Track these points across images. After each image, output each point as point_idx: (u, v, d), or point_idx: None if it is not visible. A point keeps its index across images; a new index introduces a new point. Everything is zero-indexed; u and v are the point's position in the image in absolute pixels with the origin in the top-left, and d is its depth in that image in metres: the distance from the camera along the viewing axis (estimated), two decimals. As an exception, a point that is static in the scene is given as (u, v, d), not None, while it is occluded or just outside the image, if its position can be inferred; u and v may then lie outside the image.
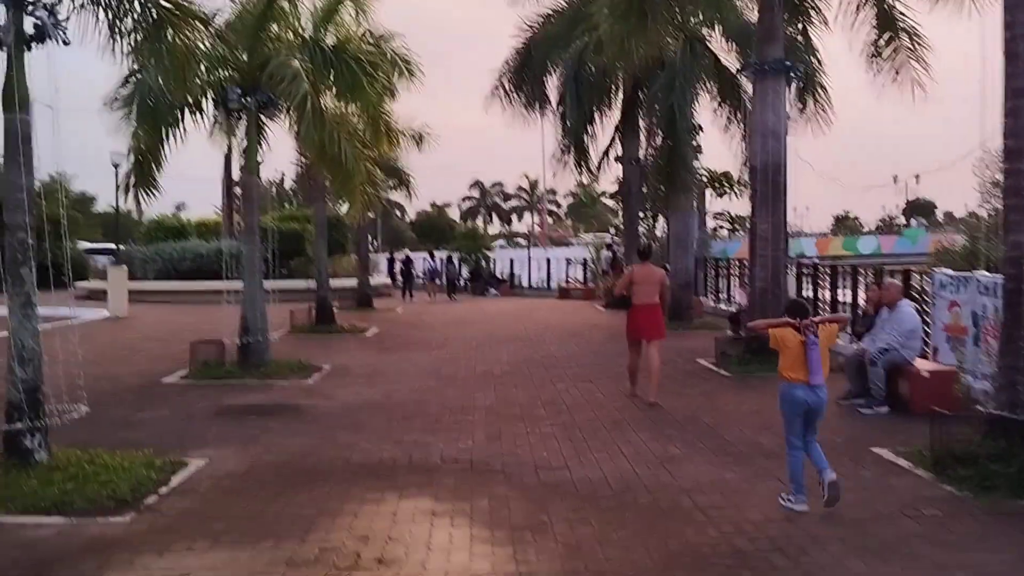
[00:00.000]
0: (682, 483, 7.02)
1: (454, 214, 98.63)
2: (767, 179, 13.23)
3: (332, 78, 12.75)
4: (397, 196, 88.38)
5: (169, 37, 7.66)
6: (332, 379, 12.55)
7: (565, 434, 8.69)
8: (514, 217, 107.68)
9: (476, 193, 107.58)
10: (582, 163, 20.54)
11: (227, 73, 12.99)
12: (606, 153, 22.47)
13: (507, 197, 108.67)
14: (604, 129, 22.56)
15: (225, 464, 7.58)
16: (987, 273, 10.39)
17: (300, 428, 9.17)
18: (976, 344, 10.31)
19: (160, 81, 10.11)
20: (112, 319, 22.67)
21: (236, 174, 41.48)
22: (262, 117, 13.34)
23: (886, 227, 66.86)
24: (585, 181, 21.26)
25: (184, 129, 12.89)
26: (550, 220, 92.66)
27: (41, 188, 7.88)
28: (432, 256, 34.82)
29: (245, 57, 12.96)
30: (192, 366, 12.81)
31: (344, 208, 14.29)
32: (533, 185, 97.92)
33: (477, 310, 26.61)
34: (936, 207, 72.18)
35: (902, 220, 69.88)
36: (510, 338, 18.11)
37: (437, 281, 33.58)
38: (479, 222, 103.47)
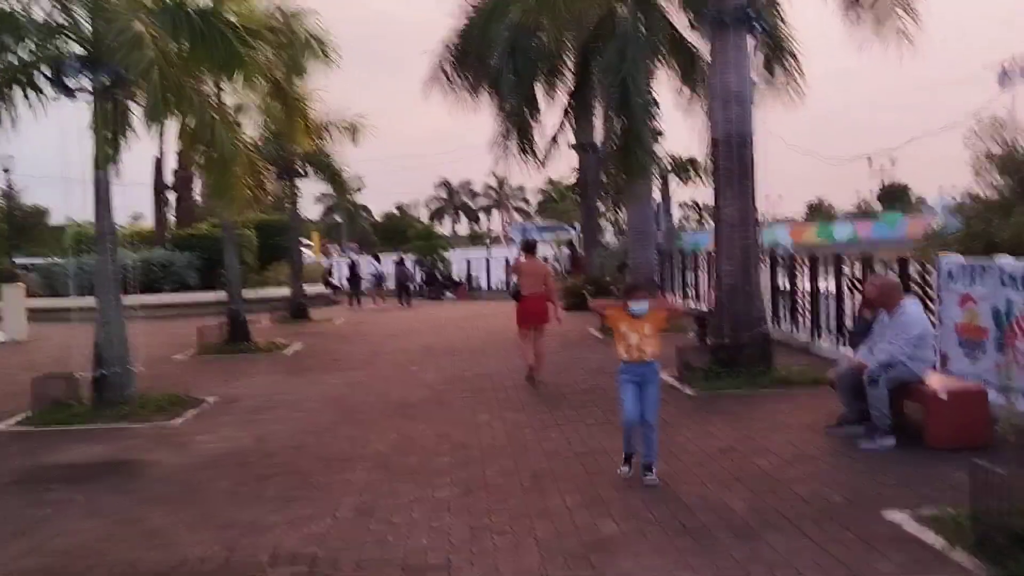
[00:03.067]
0: (613, 591, 4.71)
1: (423, 215, 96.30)
2: (731, 153, 10.98)
3: (194, 46, 10.33)
4: (360, 197, 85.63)
5: None
6: (207, 418, 10.15)
7: (464, 502, 6.35)
8: (483, 216, 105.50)
9: (444, 193, 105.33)
10: (526, 149, 18.21)
11: (67, 44, 10.54)
12: (555, 139, 20.13)
13: (475, 195, 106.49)
14: (553, 111, 20.24)
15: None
16: (1012, 259, 8.16)
17: (109, 503, 6.76)
18: (1000, 350, 8.10)
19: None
20: (7, 343, 20.07)
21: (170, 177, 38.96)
22: (117, 98, 10.87)
23: (862, 213, 65.06)
24: (531, 170, 18.74)
25: (14, 114, 10.44)
26: (518, 218, 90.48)
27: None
28: (377, 259, 32.31)
29: (89, 25, 10.52)
30: (36, 407, 10.39)
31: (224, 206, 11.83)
32: (501, 183, 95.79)
33: (425, 317, 24.23)
34: (910, 190, 70.59)
35: (877, 206, 68.13)
36: (448, 351, 15.77)
37: (384, 286, 31.13)
38: (447, 222, 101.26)
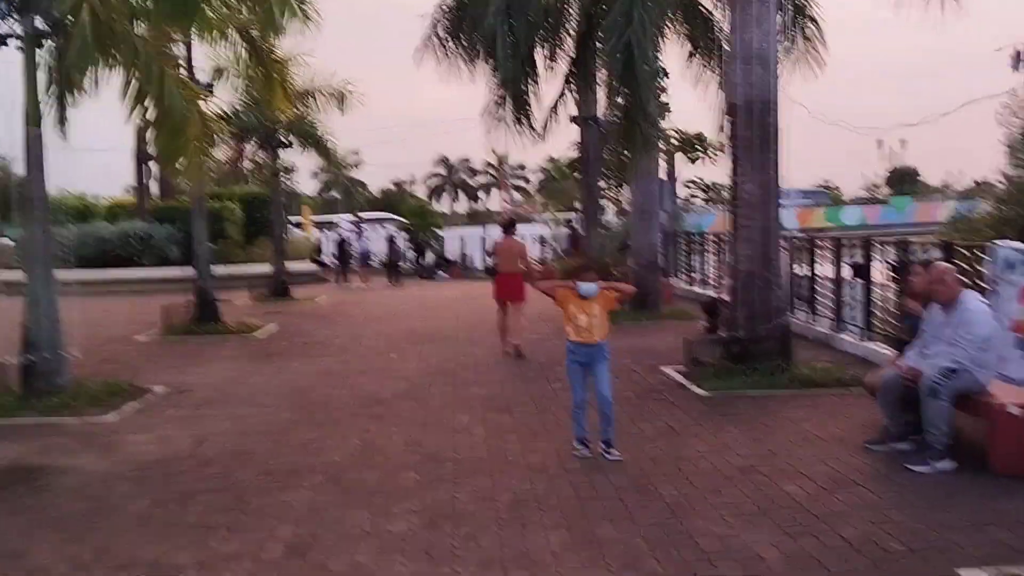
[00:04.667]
0: None
1: (421, 192, 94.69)
2: (752, 120, 9.65)
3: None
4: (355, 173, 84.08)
5: None
6: (147, 413, 8.88)
7: (424, 540, 5.08)
8: (482, 194, 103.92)
9: (442, 170, 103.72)
10: (522, 119, 16.80)
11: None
12: (554, 110, 18.70)
13: (475, 173, 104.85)
14: (553, 81, 18.80)
15: None
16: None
17: (-8, 527, 5.51)
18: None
19: None
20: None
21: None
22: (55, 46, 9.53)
23: (871, 196, 63.53)
24: (526, 142, 17.34)
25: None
26: (518, 196, 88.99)
27: None
28: (361, 235, 30.93)
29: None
30: (-45, 397, 9.13)
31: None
32: (501, 160, 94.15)
33: (413, 298, 22.96)
34: (919, 174, 68.97)
35: (885, 189, 66.61)
36: (433, 336, 14.50)
37: (372, 264, 29.81)
38: (445, 200, 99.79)
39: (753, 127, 9.66)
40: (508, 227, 13.12)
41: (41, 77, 9.88)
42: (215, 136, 11.63)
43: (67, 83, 10.18)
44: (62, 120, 10.54)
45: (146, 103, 9.73)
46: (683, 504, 5.52)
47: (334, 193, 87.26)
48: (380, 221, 41.11)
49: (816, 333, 12.58)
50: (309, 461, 6.83)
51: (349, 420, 8.33)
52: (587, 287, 6.71)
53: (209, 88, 16.05)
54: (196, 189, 16.33)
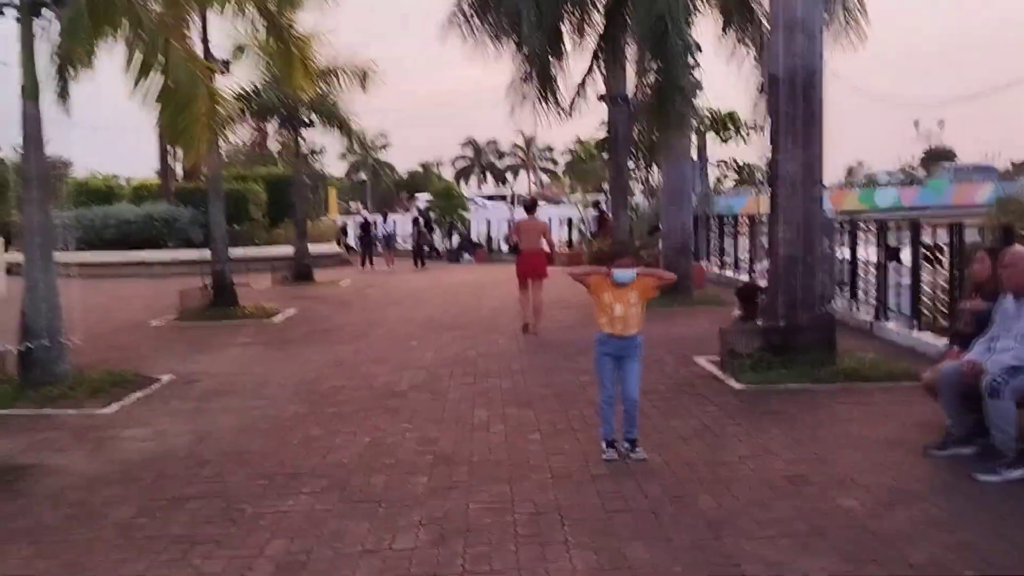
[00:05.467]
0: None
1: (448, 174, 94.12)
2: (795, 94, 8.94)
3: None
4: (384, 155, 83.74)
5: None
6: (149, 404, 8.40)
7: (431, 560, 4.50)
8: (509, 176, 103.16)
9: (470, 152, 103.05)
10: (547, 96, 16.11)
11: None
12: (582, 86, 17.97)
13: (502, 155, 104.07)
14: (581, 57, 18.07)
15: None
16: None
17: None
18: None
19: None
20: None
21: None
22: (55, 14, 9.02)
23: (907, 178, 62.00)
24: (552, 120, 16.64)
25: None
26: (545, 178, 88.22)
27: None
28: (386, 218, 30.41)
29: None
30: (-49, 385, 8.71)
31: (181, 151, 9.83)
32: (529, 142, 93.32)
33: (438, 282, 22.41)
34: (956, 156, 67.19)
35: (921, 171, 65.02)
36: (455, 323, 13.95)
37: (397, 246, 29.32)
38: (473, 182, 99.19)
39: (796, 101, 8.95)
40: (531, 207, 13.55)
41: (44, 49, 9.43)
42: (225, 113, 11.07)
43: (68, 55, 9.73)
44: (63, 94, 10.10)
45: (150, 76, 9.22)
46: (725, 520, 4.91)
47: (362, 175, 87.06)
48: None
49: (857, 321, 11.88)
50: (312, 462, 6.29)
51: (360, 415, 7.79)
52: (623, 274, 6.12)
53: (225, 64, 15.52)
54: (213, 169, 15.87)
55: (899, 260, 10.84)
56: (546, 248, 12.79)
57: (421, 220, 30.17)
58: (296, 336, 12.96)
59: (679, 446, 6.43)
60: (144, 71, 9.12)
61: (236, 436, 7.12)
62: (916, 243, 10.58)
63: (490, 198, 47.99)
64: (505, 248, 32.14)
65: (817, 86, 9.00)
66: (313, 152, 65.31)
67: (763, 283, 11.95)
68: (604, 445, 6.21)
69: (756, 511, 5.06)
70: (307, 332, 13.39)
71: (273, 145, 24.86)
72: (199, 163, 12.51)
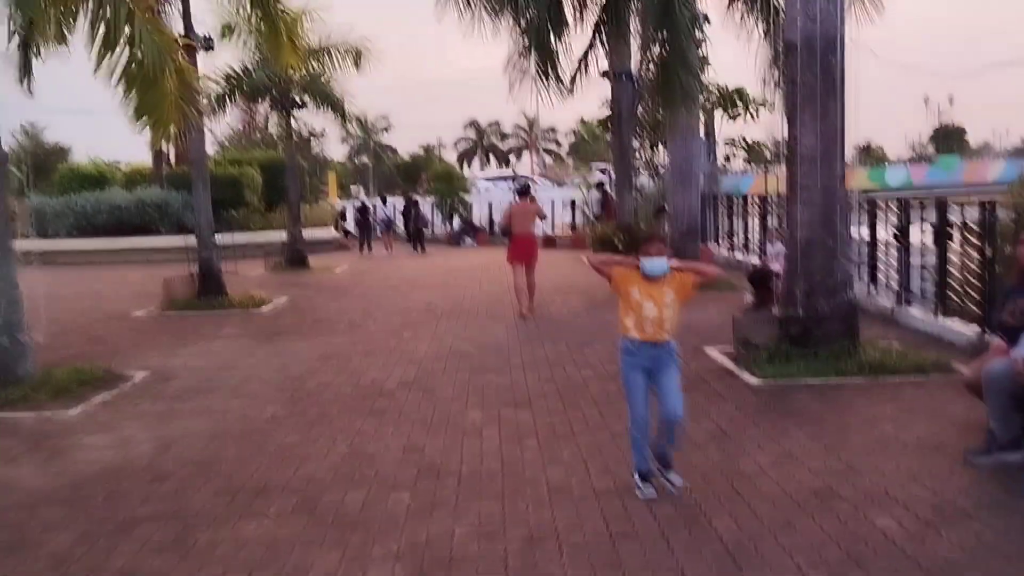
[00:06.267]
0: None
1: (451, 156, 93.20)
2: (813, 62, 8.23)
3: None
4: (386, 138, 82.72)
5: None
6: (116, 406, 7.76)
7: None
8: (512, 157, 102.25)
9: (472, 134, 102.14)
10: (547, 71, 15.36)
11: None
12: (584, 61, 17.25)
13: (504, 137, 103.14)
14: (583, 29, 17.33)
15: None
16: None
17: None
18: None
19: None
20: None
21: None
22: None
23: (917, 157, 61.04)
24: (553, 97, 15.91)
25: None
26: (549, 159, 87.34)
27: None
28: (384, 202, 29.69)
29: None
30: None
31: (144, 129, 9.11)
32: (532, 123, 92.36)
33: (436, 266, 21.76)
34: (966, 133, 66.18)
35: (930, 149, 63.99)
36: (451, 310, 13.31)
37: (394, 231, 28.63)
38: (476, 164, 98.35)
39: (815, 70, 8.24)
40: (523, 191, 13.48)
41: None
42: (199, 92, 10.40)
43: (28, 29, 9.06)
44: (26, 73, 9.44)
45: (116, 52, 8.54)
46: (746, 546, 4.26)
47: (365, 159, 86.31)
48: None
49: (877, 307, 11.20)
50: (283, 475, 5.65)
51: (343, 417, 7.15)
52: (654, 264, 4.92)
53: (208, 41, 14.80)
54: (196, 152, 15.19)
55: (905, 240, 10.14)
56: (538, 232, 12.95)
57: (416, 203, 29.42)
58: (284, 327, 12.32)
59: (693, 454, 5.77)
60: (108, 45, 8.44)
61: (205, 443, 6.48)
62: (943, 222, 9.88)
63: (496, 179, 47.27)
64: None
65: (837, 53, 8.28)
66: (312, 135, 64.61)
67: (776, 267, 11.28)
68: (638, 479, 5.05)
69: (781, 534, 4.41)
70: (296, 322, 12.76)
71: (274, 129, 24.09)
72: (180, 147, 11.59)
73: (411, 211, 28.45)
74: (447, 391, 7.95)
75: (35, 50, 9.51)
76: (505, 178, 41.28)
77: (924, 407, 6.77)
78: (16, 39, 9.41)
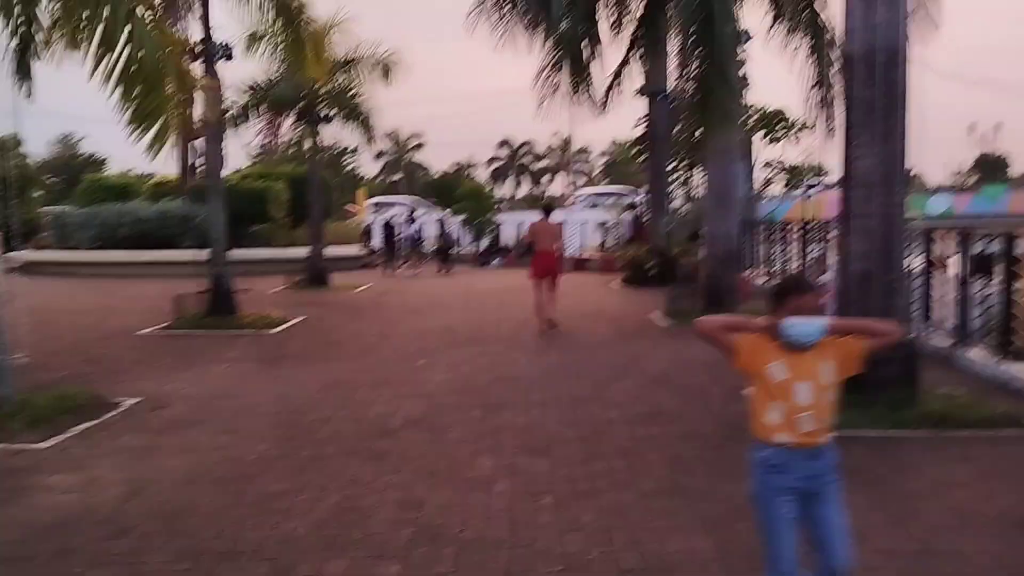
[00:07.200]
0: None
1: (481, 175, 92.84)
2: (872, 75, 7.40)
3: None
4: (420, 154, 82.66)
5: None
6: (94, 439, 7.06)
7: None
8: (545, 178, 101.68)
9: (504, 153, 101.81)
10: (579, 87, 14.62)
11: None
12: (617, 77, 16.51)
13: (538, 157, 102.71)
14: (617, 45, 16.60)
15: None
16: None
17: None
18: None
19: None
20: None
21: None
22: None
23: (959, 185, 59.54)
24: (585, 113, 15.20)
25: None
26: (581, 180, 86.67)
27: None
28: (412, 219, 29.05)
29: None
30: None
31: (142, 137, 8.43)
32: (565, 143, 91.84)
33: (461, 288, 21.05)
34: (1008, 164, 64.46)
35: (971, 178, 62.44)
36: (471, 336, 12.56)
37: (421, 249, 27.97)
38: (508, 184, 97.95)
39: (875, 84, 7.41)
40: (547, 210, 13.81)
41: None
42: (204, 98, 9.80)
43: (28, 27, 8.50)
44: (23, 75, 8.87)
45: (115, 52, 7.91)
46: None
47: (397, 176, 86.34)
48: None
49: (931, 348, 10.26)
50: (258, 534, 4.88)
51: (338, 460, 6.39)
52: (805, 328, 3.29)
53: (227, 49, 14.25)
54: (211, 165, 14.63)
55: (989, 274, 9.26)
56: (559, 251, 13.35)
57: (443, 223, 28.79)
58: (293, 351, 11.61)
59: (737, 521, 4.94)
60: (108, 45, 7.81)
61: (180, 489, 5.75)
62: (1010, 255, 8.97)
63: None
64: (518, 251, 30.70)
65: (900, 65, 7.45)
66: (343, 152, 64.34)
67: (821, 301, 10.40)
68: None
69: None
70: (307, 346, 12.05)
71: (299, 142, 23.58)
72: (162, 149, 10.84)
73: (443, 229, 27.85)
74: (457, 432, 7.17)
75: (33, 52, 8.94)
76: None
77: (1001, 470, 5.89)
78: (16, 39, 8.85)
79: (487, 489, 5.65)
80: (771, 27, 16.09)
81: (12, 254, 24.46)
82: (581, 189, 38.92)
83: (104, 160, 72.41)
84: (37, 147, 67.94)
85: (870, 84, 7.41)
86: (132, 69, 7.92)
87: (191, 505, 5.42)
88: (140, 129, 8.07)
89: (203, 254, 14.45)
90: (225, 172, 25.36)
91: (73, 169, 66.35)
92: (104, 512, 5.30)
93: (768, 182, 28.26)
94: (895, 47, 7.47)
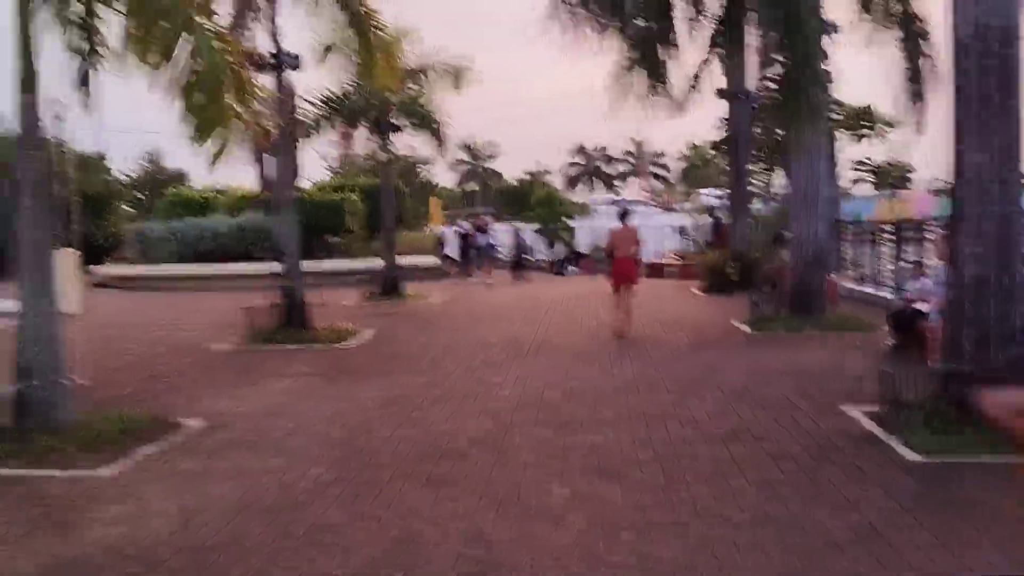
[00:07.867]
0: None
1: (556, 181, 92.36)
2: (986, 59, 6.66)
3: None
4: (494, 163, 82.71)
5: None
6: (155, 464, 6.74)
7: None
8: (619, 183, 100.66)
9: (580, 159, 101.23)
10: (656, 87, 13.95)
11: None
12: (696, 79, 15.77)
13: (612, 161, 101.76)
14: (694, 45, 15.87)
15: None
16: None
17: None
18: None
19: None
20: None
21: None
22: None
23: None
24: (661, 115, 14.52)
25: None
26: (657, 184, 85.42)
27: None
28: (485, 228, 28.71)
29: None
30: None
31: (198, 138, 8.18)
32: (639, 146, 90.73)
33: (534, 296, 20.58)
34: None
35: None
36: (541, 346, 12.10)
37: (495, 258, 27.62)
38: (582, 190, 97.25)
39: (987, 69, 6.66)
40: (623, 215, 13.65)
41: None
42: (263, 107, 9.54)
43: (86, 36, 8.37)
44: (83, 83, 8.73)
45: (178, 62, 7.68)
46: None
47: (474, 185, 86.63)
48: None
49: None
50: (304, 571, 4.46)
51: (397, 486, 5.95)
52: None
53: (294, 59, 14.09)
54: (282, 176, 14.48)
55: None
56: (636, 255, 13.34)
57: (520, 232, 28.40)
58: (359, 365, 11.27)
59: (832, 559, 4.32)
60: (166, 53, 7.58)
61: (226, 520, 5.37)
62: None
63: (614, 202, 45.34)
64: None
65: (1015, 44, 6.69)
66: (418, 162, 64.64)
67: (923, 306, 9.61)
68: None
69: None
70: (374, 359, 11.70)
71: (372, 153, 23.52)
72: (222, 157, 10.48)
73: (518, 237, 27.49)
74: (524, 454, 6.66)
75: (93, 58, 8.79)
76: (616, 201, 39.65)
77: None
78: (77, 53, 8.72)
79: (556, 522, 5.12)
80: (856, 18, 15.22)
81: (93, 268, 25.00)
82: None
83: (185, 175, 74.20)
84: (126, 164, 69.86)
85: (982, 70, 6.67)
86: (193, 79, 7.67)
87: (237, 538, 5.03)
88: (201, 140, 7.81)
89: (278, 267, 14.31)
90: (301, 184, 25.54)
91: (158, 185, 68.23)
92: (143, 547, 4.94)
93: (855, 181, 27.01)
94: (1009, 24, 6.71)
